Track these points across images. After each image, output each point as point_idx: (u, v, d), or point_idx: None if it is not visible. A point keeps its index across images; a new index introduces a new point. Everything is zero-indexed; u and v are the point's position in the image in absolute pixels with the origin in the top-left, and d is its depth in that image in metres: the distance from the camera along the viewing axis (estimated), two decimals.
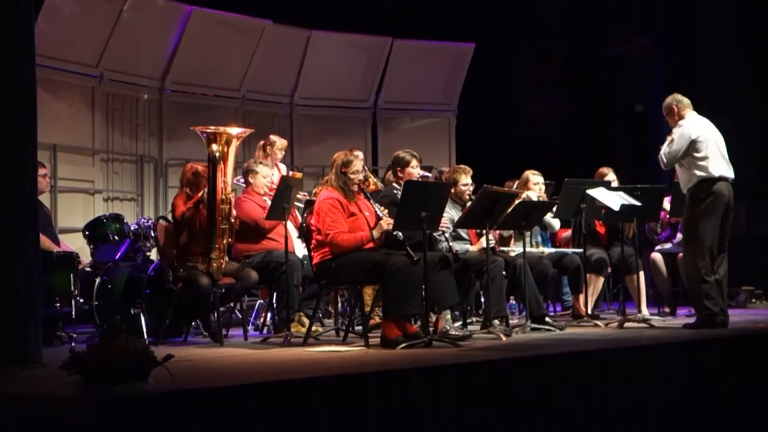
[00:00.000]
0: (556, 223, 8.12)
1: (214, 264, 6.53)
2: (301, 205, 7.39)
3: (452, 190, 6.81)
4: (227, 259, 6.68)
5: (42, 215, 6.48)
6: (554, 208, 7.61)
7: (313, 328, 6.49)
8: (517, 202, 6.80)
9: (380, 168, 11.14)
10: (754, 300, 9.89)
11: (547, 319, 7.02)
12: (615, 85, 13.04)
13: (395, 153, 7.03)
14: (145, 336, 6.64)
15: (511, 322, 7.01)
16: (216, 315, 6.75)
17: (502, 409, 4.59)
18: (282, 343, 6.24)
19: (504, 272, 6.87)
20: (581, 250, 7.67)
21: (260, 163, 7.53)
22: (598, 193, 7.29)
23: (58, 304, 6.59)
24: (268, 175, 7.45)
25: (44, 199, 7.64)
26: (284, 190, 6.65)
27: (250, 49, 11.07)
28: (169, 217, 7.17)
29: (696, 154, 6.78)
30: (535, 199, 7.46)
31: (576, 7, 12.96)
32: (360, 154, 6.55)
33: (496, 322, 6.63)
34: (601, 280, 7.99)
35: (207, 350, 6.04)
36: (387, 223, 6.01)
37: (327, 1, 11.39)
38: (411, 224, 5.93)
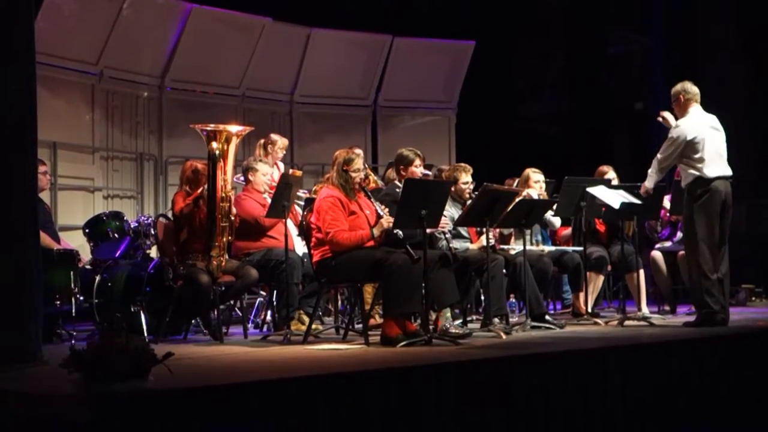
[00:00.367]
0: (556, 222, 8.11)
1: (214, 262, 6.52)
2: (302, 203, 7.38)
3: (452, 189, 6.81)
4: (227, 257, 6.67)
5: (42, 213, 6.48)
6: (554, 207, 7.60)
7: (313, 326, 6.49)
8: (517, 200, 6.79)
9: (380, 166, 11.13)
10: (754, 298, 9.89)
11: (547, 317, 7.02)
12: (615, 84, 13.04)
13: (399, 151, 7.00)
14: (145, 334, 6.64)
15: (511, 320, 7.00)
16: (216, 313, 6.75)
17: (502, 407, 4.58)
18: (282, 341, 6.24)
19: (504, 270, 6.86)
20: (581, 248, 7.66)
21: (260, 161, 7.52)
22: (599, 192, 7.29)
23: (58, 302, 6.60)
24: (268, 172, 7.44)
25: (44, 196, 7.63)
26: (284, 188, 6.65)
27: (249, 46, 11.07)
28: (169, 214, 7.17)
29: (692, 155, 6.77)
30: (535, 197, 7.46)
31: (576, 5, 12.96)
32: (360, 152, 6.55)
33: (496, 320, 6.63)
34: (601, 278, 7.99)
35: (207, 348, 6.04)
36: (387, 221, 6.01)
37: None
38: (411, 222, 5.92)
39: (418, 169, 6.82)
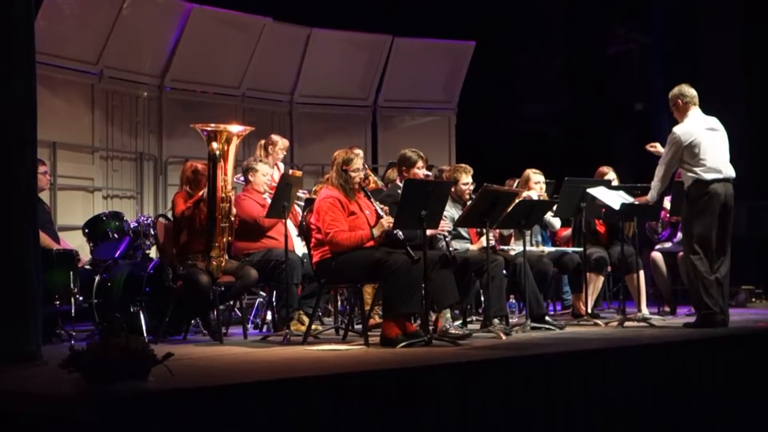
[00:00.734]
0: (556, 222, 8.11)
1: (214, 262, 6.52)
2: (302, 204, 7.38)
3: (452, 189, 6.80)
4: (227, 257, 6.67)
5: (42, 213, 6.48)
6: (554, 207, 7.60)
7: (313, 327, 6.48)
8: (517, 201, 6.79)
9: (380, 166, 11.13)
10: (754, 299, 9.90)
11: (547, 318, 7.01)
12: (615, 84, 13.04)
13: (402, 152, 6.98)
14: (145, 334, 6.64)
15: (511, 321, 7.01)
16: (216, 313, 6.75)
17: (502, 408, 4.58)
18: (282, 341, 6.23)
19: (504, 271, 6.87)
20: (581, 249, 7.66)
21: (260, 161, 7.52)
22: (599, 192, 7.29)
23: (57, 302, 6.58)
24: (268, 173, 7.44)
25: (44, 196, 7.63)
26: (284, 188, 6.65)
27: (250, 46, 11.07)
28: (169, 215, 7.17)
29: (691, 158, 6.76)
30: (535, 198, 7.46)
31: (576, 5, 12.96)
32: (360, 152, 6.55)
33: (496, 321, 6.63)
34: (601, 279, 7.99)
35: (207, 348, 6.03)
36: (387, 221, 6.01)
37: None
38: (411, 223, 5.92)
39: (420, 171, 6.82)
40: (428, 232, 6.08)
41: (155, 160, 10.57)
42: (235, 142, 6.55)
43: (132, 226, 7.62)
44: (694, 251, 6.71)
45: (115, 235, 7.51)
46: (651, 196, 7.08)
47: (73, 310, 6.65)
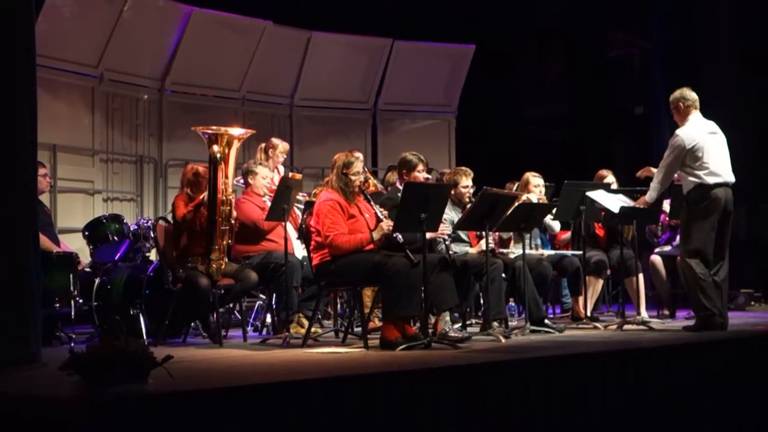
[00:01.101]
0: (556, 225, 8.12)
1: (214, 265, 6.53)
2: (302, 206, 7.39)
3: (452, 192, 6.81)
4: (227, 260, 6.68)
5: (42, 215, 6.48)
6: (554, 210, 7.61)
7: (313, 330, 6.48)
8: (516, 204, 6.79)
9: (380, 169, 11.14)
10: (753, 303, 9.89)
11: (546, 321, 7.02)
12: (615, 88, 13.04)
13: (402, 155, 7.00)
14: (145, 337, 6.64)
15: (510, 324, 7.01)
16: (215, 316, 6.75)
17: (502, 411, 4.58)
18: (281, 344, 6.24)
19: (503, 274, 6.87)
20: (581, 252, 7.67)
21: (260, 164, 7.52)
22: (598, 196, 7.29)
23: (57, 305, 6.58)
24: (268, 176, 7.45)
25: (44, 199, 7.63)
26: (284, 191, 6.65)
27: (250, 49, 11.07)
28: (169, 217, 7.17)
29: (693, 163, 6.76)
30: (535, 201, 7.47)
31: (576, 9, 12.96)
32: (360, 155, 6.56)
33: (496, 324, 6.63)
34: (601, 282, 7.99)
35: (206, 351, 6.04)
36: (387, 224, 6.01)
37: (327, 2, 11.39)
38: (411, 226, 5.93)
39: (421, 174, 6.83)
40: (428, 235, 6.08)
41: (155, 163, 10.58)
42: (235, 145, 6.56)
43: (132, 229, 7.62)
44: (692, 255, 6.72)
45: (115, 238, 7.51)
46: (650, 196, 7.07)
47: (72, 313, 6.64)
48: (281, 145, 8.08)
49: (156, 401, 3.55)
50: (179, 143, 10.53)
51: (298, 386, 4.01)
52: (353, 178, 6.15)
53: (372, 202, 6.26)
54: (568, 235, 8.36)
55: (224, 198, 6.54)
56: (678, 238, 8.22)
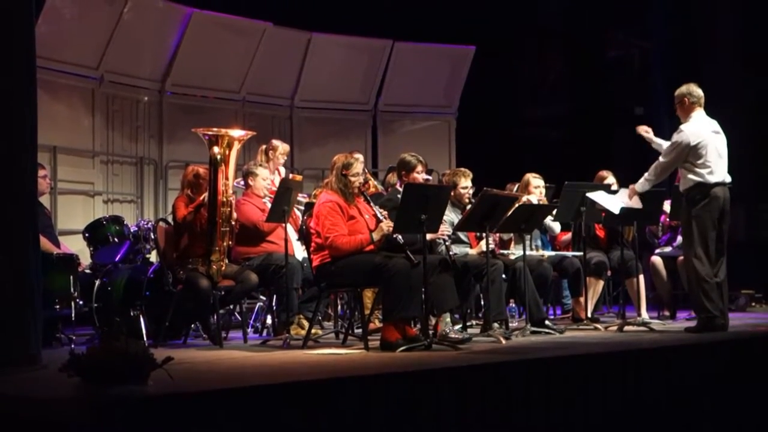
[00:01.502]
0: (556, 227, 8.12)
1: (214, 266, 6.53)
2: (302, 208, 7.39)
3: (452, 193, 6.81)
4: (227, 261, 6.68)
5: (42, 217, 6.48)
6: (554, 212, 7.60)
7: (313, 331, 6.48)
8: (517, 205, 6.79)
9: (380, 170, 11.13)
10: (753, 304, 9.89)
11: (546, 322, 7.01)
12: (615, 88, 13.04)
13: (401, 156, 7.01)
14: (145, 338, 6.64)
15: (510, 325, 7.01)
16: (216, 317, 6.75)
17: (502, 412, 4.58)
18: (281, 345, 6.24)
19: (504, 275, 6.87)
20: (581, 253, 7.66)
21: (260, 165, 7.52)
22: (598, 197, 7.29)
23: (57, 306, 6.59)
24: (268, 177, 7.45)
25: (44, 200, 7.63)
26: (284, 193, 6.65)
27: (250, 51, 11.07)
28: (169, 219, 7.17)
29: (695, 160, 6.75)
30: (535, 202, 7.47)
31: (576, 9, 12.96)
32: (360, 156, 6.56)
33: (496, 325, 6.63)
34: (601, 283, 7.99)
35: (206, 353, 6.04)
36: (387, 225, 6.01)
37: (327, 3, 11.39)
38: (411, 227, 5.92)
39: (420, 175, 6.83)
40: (428, 236, 6.08)
41: (155, 165, 10.58)
42: (236, 146, 6.56)
43: (132, 231, 7.62)
44: (696, 254, 6.71)
45: (116, 240, 7.51)
46: (641, 186, 6.99)
47: (73, 314, 6.64)
48: (282, 147, 8.08)
49: (156, 403, 3.55)
50: (179, 145, 10.53)
51: (299, 388, 4.01)
52: (353, 179, 6.15)
53: (372, 203, 6.26)
54: (568, 236, 8.36)
55: (224, 199, 6.54)
56: (679, 238, 8.24)
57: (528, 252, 7.08)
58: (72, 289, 6.66)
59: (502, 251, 7.35)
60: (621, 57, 13.33)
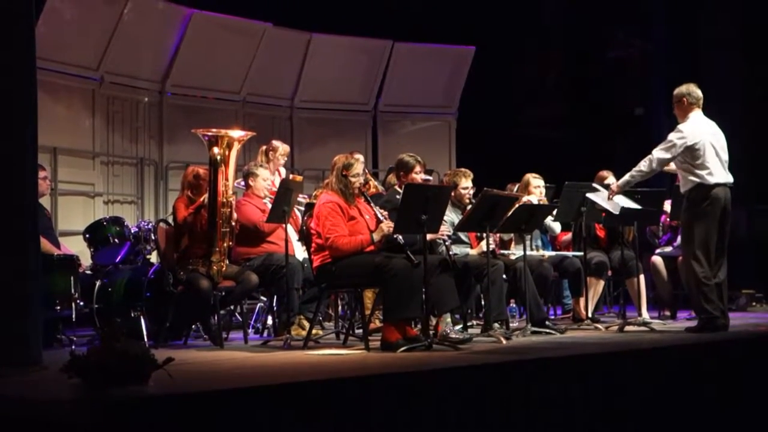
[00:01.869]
0: (556, 227, 8.12)
1: (215, 267, 6.53)
2: (302, 208, 7.39)
3: (452, 194, 6.81)
4: (227, 262, 6.68)
5: (42, 218, 6.48)
6: (554, 212, 7.60)
7: (314, 332, 6.49)
8: (517, 205, 6.80)
9: (380, 171, 11.13)
10: (754, 303, 9.89)
11: (547, 322, 7.02)
12: (615, 88, 13.04)
13: (399, 156, 7.02)
14: (145, 339, 6.64)
15: (511, 325, 7.02)
16: (216, 318, 6.75)
17: (503, 412, 4.58)
18: (282, 346, 6.24)
19: (504, 275, 6.87)
20: (582, 253, 7.66)
21: (261, 166, 7.52)
22: (599, 197, 7.29)
23: (58, 307, 6.59)
24: (268, 178, 7.45)
25: (44, 201, 7.63)
26: (284, 193, 6.65)
27: (250, 52, 11.07)
28: (170, 220, 7.17)
29: (694, 161, 6.74)
30: (535, 202, 7.47)
31: (576, 9, 12.96)
32: (360, 157, 6.56)
33: (497, 325, 6.63)
34: (602, 283, 7.99)
35: (207, 353, 6.04)
36: (387, 226, 6.01)
37: (327, 3, 11.39)
38: (411, 227, 5.93)
39: (418, 176, 6.84)
40: (428, 236, 6.08)
41: (156, 166, 10.58)
42: (236, 147, 6.56)
43: (133, 231, 7.62)
44: (695, 256, 6.70)
45: (116, 240, 7.51)
46: (625, 181, 6.92)
47: (73, 315, 6.64)
48: (282, 148, 8.08)
49: (157, 403, 3.55)
50: (180, 145, 10.53)
51: (299, 388, 4.01)
52: (353, 179, 6.15)
53: (372, 204, 6.26)
54: (568, 236, 8.36)
55: (225, 200, 6.54)
56: (679, 239, 8.23)
57: (528, 252, 7.09)
58: (72, 290, 6.66)
59: (502, 251, 7.36)
60: (621, 56, 13.32)
